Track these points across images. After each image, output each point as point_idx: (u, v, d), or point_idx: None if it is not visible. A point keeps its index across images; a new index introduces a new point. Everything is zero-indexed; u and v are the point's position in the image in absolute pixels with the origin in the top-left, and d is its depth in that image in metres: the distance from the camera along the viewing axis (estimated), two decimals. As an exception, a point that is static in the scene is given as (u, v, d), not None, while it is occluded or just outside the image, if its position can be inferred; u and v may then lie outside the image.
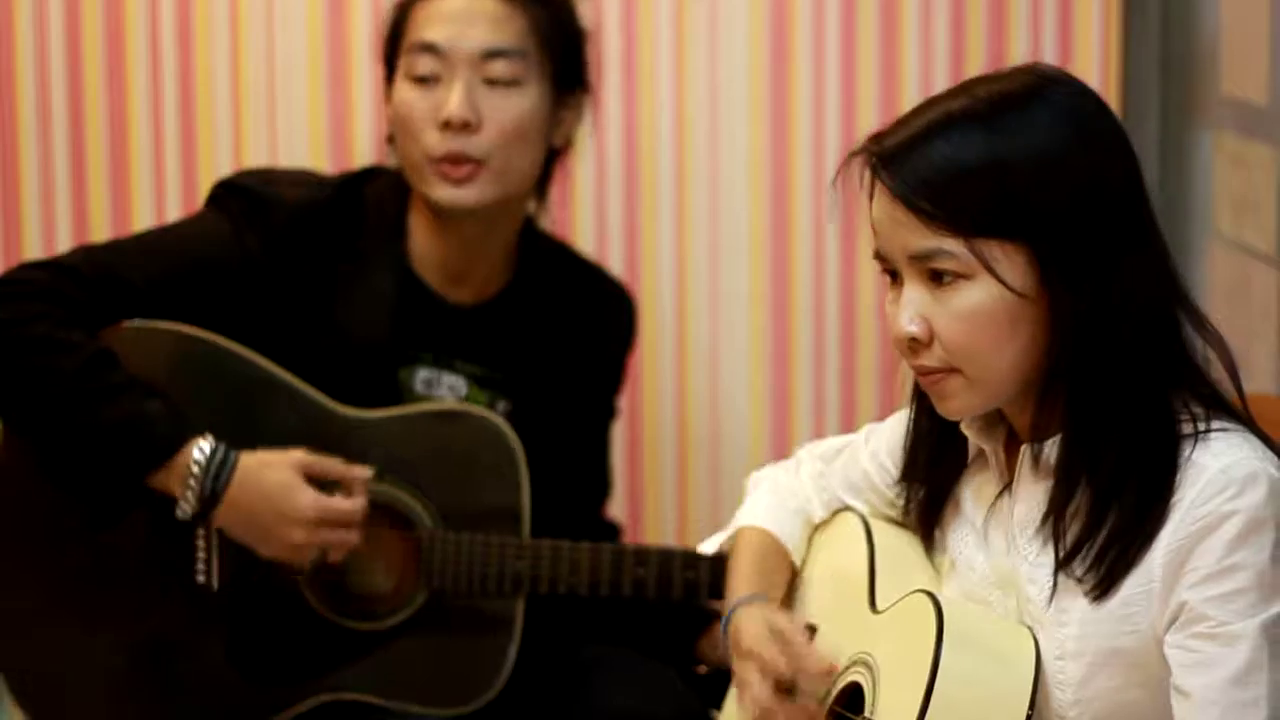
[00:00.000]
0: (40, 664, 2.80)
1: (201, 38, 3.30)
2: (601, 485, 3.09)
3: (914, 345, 2.02)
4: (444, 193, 2.80)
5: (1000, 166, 1.97)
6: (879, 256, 2.05)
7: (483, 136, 2.80)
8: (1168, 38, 3.34)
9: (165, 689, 2.80)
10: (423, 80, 2.82)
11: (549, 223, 3.24)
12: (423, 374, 2.88)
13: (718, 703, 2.86)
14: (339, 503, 2.73)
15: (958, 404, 2.05)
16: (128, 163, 3.32)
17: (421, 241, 2.88)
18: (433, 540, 2.78)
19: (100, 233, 3.30)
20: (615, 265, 3.32)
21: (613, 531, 3.10)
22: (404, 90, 2.84)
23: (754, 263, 3.36)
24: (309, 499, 2.71)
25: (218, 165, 3.30)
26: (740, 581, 2.35)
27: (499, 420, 2.81)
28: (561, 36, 2.88)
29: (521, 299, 2.93)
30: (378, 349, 2.84)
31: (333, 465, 2.74)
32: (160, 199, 3.32)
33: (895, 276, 2.05)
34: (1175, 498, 1.98)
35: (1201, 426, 2.00)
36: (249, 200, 2.83)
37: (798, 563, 2.39)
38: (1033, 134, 1.98)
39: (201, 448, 2.69)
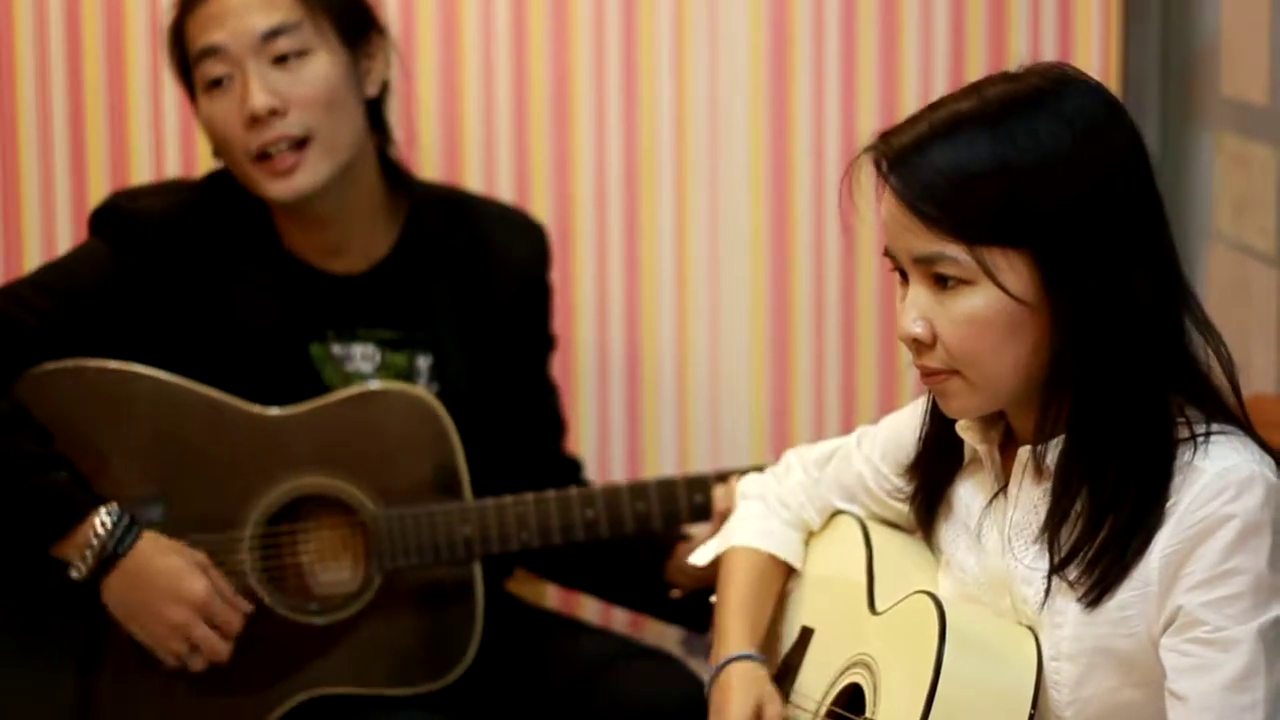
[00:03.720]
0: (7, 702, 2.79)
1: (201, 38, 3.30)
2: (553, 420, 3.08)
3: (917, 346, 2.03)
4: (276, 187, 2.81)
5: (1005, 173, 1.96)
6: (888, 254, 2.06)
7: (294, 116, 2.80)
8: (1168, 38, 3.34)
9: (142, 715, 2.80)
10: (216, 84, 2.82)
11: (549, 216, 3.25)
12: (335, 349, 2.89)
13: (699, 625, 2.87)
14: (223, 605, 2.74)
15: (959, 404, 2.06)
16: (128, 163, 3.32)
17: (290, 226, 2.88)
18: (377, 522, 2.78)
19: (100, 233, 3.30)
20: (615, 265, 3.32)
21: (573, 466, 3.09)
22: (205, 102, 2.84)
23: (754, 263, 3.36)
24: (201, 584, 2.72)
25: (218, 166, 3.29)
26: (732, 622, 2.34)
27: (419, 390, 2.82)
28: None
29: (415, 251, 2.92)
30: (277, 336, 2.85)
31: (225, 584, 2.75)
32: (160, 199, 3.31)
33: (904, 275, 2.05)
34: (1171, 501, 1.98)
35: (1199, 430, 2.00)
36: (118, 220, 2.85)
37: (798, 566, 2.39)
38: (1038, 140, 1.97)
39: (106, 516, 2.69)
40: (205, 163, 3.30)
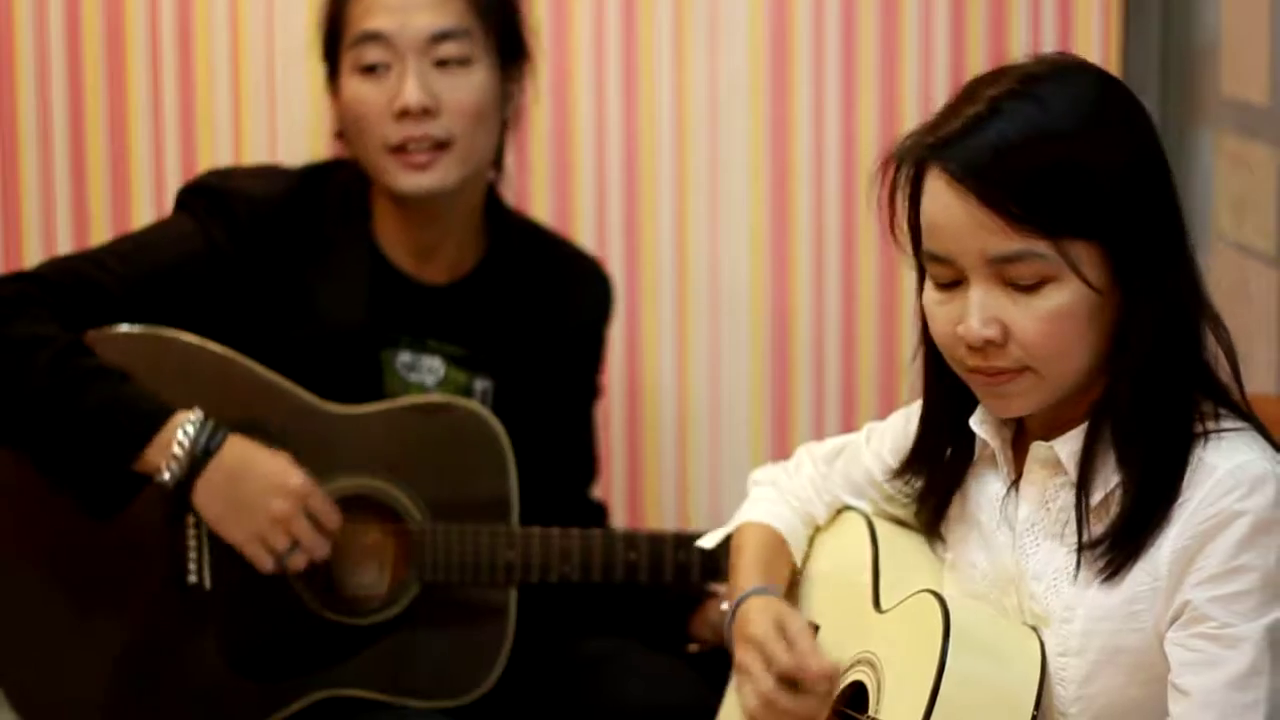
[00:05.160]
0: (37, 669, 2.79)
1: (201, 38, 3.30)
2: (587, 464, 3.09)
3: (986, 348, 2.01)
4: (408, 180, 2.80)
5: (1082, 170, 1.97)
6: (935, 258, 2.03)
7: (443, 120, 2.80)
8: (1168, 38, 3.35)
9: (162, 691, 2.80)
10: (371, 70, 2.82)
11: (549, 216, 3.25)
12: (403, 357, 2.89)
13: (712, 681, 2.88)
14: (325, 500, 2.73)
15: (1023, 402, 2.05)
16: (128, 163, 3.32)
17: (388, 226, 2.88)
18: (423, 533, 2.78)
19: (100, 233, 3.29)
20: (615, 265, 3.32)
21: (599, 511, 3.10)
22: (353, 84, 2.83)
23: (754, 262, 3.36)
24: (300, 476, 2.71)
25: (217, 165, 3.29)
26: (746, 572, 2.34)
27: (484, 411, 2.82)
28: (500, 10, 2.88)
29: (494, 276, 2.92)
30: (357, 333, 2.84)
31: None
32: (160, 199, 3.31)
33: (947, 279, 2.03)
34: (1183, 497, 1.98)
35: (1211, 426, 2.00)
36: (212, 197, 2.83)
37: (799, 561, 2.39)
38: (1111, 138, 1.99)
39: (191, 419, 2.68)
40: (205, 163, 3.31)
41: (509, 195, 3.28)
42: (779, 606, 2.27)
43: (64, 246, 3.28)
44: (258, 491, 2.69)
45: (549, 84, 3.32)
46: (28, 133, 3.31)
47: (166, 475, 2.67)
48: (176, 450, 2.66)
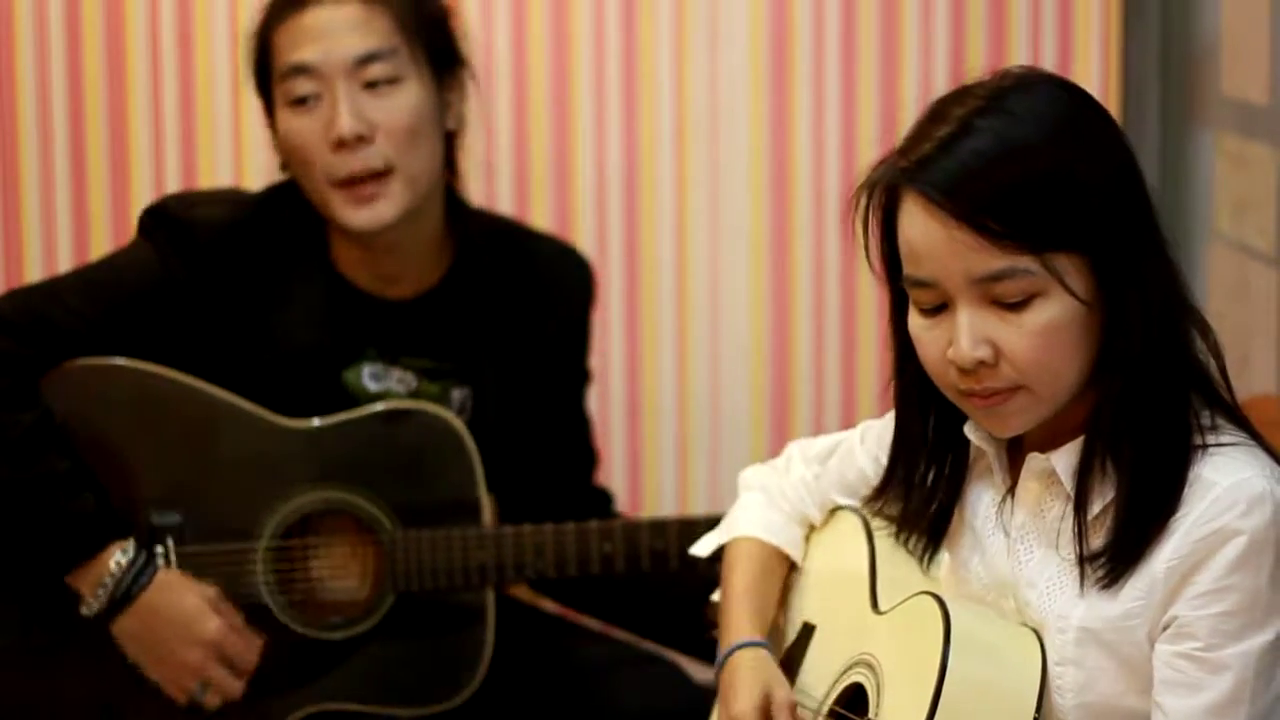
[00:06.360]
0: (17, 695, 2.79)
1: (201, 38, 3.30)
2: (585, 453, 3.07)
3: (979, 370, 1.99)
4: (356, 216, 2.77)
5: (1063, 181, 1.95)
6: (918, 283, 2.01)
7: (380, 145, 2.76)
8: (1168, 38, 3.35)
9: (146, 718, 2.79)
10: (302, 102, 2.78)
11: (549, 218, 3.25)
12: (369, 369, 2.87)
13: None
14: (239, 643, 2.73)
15: (1019, 421, 2.03)
16: (128, 163, 3.32)
17: (346, 250, 2.85)
18: (394, 542, 2.78)
19: (100, 233, 3.30)
20: (615, 265, 3.32)
21: (605, 499, 3.08)
22: (287, 118, 2.80)
23: (754, 263, 3.36)
24: (215, 625, 2.71)
25: (218, 165, 3.30)
26: (738, 611, 2.33)
27: (445, 413, 2.81)
28: (427, 22, 2.84)
29: (464, 283, 2.90)
30: (315, 355, 2.82)
31: (238, 618, 2.74)
32: (160, 199, 3.31)
33: (931, 303, 2.01)
34: (1181, 511, 1.97)
35: (1211, 439, 1.99)
36: (170, 224, 2.81)
37: (799, 560, 2.38)
38: (1085, 146, 1.98)
39: (121, 555, 2.69)
40: (205, 164, 3.31)
41: (507, 198, 3.29)
42: (767, 672, 2.25)
43: (64, 247, 3.28)
44: (170, 640, 2.71)
45: (549, 87, 3.32)
46: (28, 133, 3.31)
47: (84, 610, 2.70)
48: (99, 590, 2.69)
